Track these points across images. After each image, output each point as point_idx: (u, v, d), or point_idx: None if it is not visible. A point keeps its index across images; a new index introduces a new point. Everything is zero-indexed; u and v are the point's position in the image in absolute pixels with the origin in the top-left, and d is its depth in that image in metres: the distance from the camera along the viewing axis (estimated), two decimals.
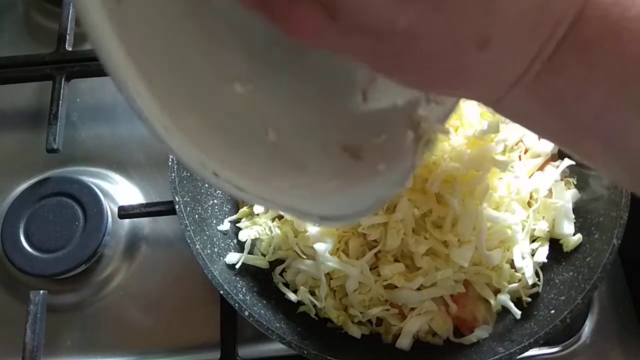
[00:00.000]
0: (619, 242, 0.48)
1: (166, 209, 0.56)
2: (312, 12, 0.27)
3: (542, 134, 0.36)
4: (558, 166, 0.53)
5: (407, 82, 0.31)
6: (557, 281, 0.51)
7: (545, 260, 0.51)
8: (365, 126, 0.34)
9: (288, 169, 0.33)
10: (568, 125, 0.29)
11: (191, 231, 0.50)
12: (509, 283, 0.50)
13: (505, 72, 0.27)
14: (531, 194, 0.53)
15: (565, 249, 0.52)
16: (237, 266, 0.52)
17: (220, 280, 0.48)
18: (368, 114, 0.34)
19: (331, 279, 0.50)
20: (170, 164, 0.52)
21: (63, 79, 0.64)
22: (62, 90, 0.63)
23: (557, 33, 0.26)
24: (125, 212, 0.57)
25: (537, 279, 0.51)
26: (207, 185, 0.57)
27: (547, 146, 0.54)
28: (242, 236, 0.54)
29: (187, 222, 0.50)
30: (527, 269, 0.50)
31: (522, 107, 0.29)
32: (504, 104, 0.29)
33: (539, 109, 0.29)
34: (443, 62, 0.27)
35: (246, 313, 0.46)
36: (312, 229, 0.49)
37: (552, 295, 0.50)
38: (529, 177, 0.53)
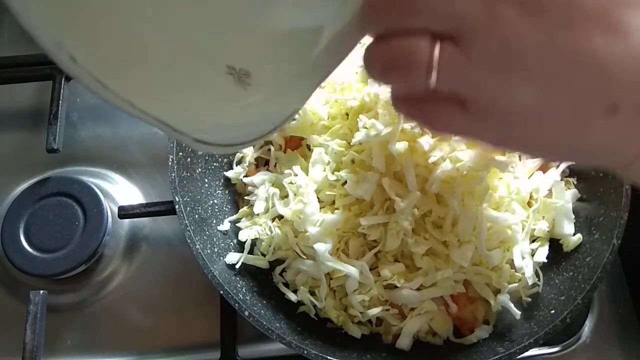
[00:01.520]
0: (619, 242, 0.48)
1: (166, 209, 0.56)
2: (447, 105, 0.30)
3: None
4: (558, 166, 0.53)
5: (537, 156, 0.33)
6: (557, 281, 0.51)
7: (545, 260, 0.51)
8: (259, 50, 0.32)
9: (164, 77, 0.31)
10: None
11: (191, 231, 0.50)
12: (509, 283, 0.50)
13: (636, 136, 0.29)
14: (531, 194, 0.53)
15: (565, 249, 0.52)
16: (237, 266, 0.52)
17: (220, 280, 0.48)
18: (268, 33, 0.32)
19: (331, 279, 0.50)
20: (170, 164, 0.52)
21: (63, 79, 0.64)
22: (62, 90, 0.63)
23: None
24: (125, 212, 0.57)
25: (537, 279, 0.51)
26: (207, 185, 0.57)
27: None
28: (242, 236, 0.54)
29: (187, 222, 0.50)
30: (527, 269, 0.50)
31: None
32: (636, 168, 0.31)
33: None
34: (571, 135, 0.29)
35: (246, 313, 0.47)
36: (312, 229, 0.49)
37: (552, 295, 0.50)
38: (529, 177, 0.53)
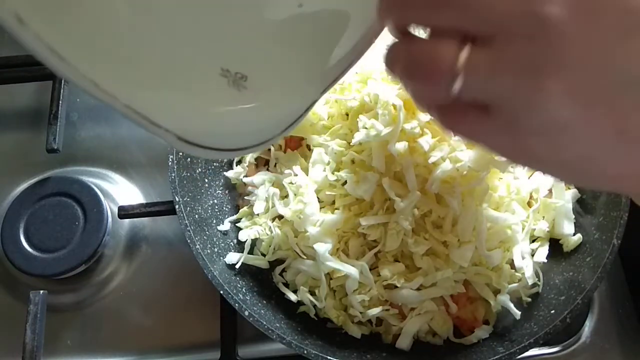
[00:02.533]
0: (619, 242, 0.48)
1: (166, 209, 0.56)
2: (470, 111, 0.28)
3: None
4: None
5: (555, 175, 0.31)
6: (557, 281, 0.51)
7: (545, 260, 0.51)
8: (258, 52, 0.31)
9: (146, 60, 0.29)
10: None
11: (191, 231, 0.50)
12: (509, 283, 0.50)
13: None
14: (531, 194, 0.53)
15: (565, 249, 0.52)
16: (237, 266, 0.52)
17: (220, 280, 0.48)
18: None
19: (331, 279, 0.50)
20: (170, 164, 0.52)
21: (63, 79, 0.64)
22: (62, 90, 0.63)
23: None
24: (125, 212, 0.57)
25: (537, 279, 0.51)
26: (207, 185, 0.57)
27: None
28: (242, 236, 0.54)
29: (187, 222, 0.50)
30: (527, 269, 0.50)
31: None
32: None
33: None
34: (603, 158, 0.27)
35: (246, 313, 0.47)
36: (312, 229, 0.49)
37: (552, 295, 0.50)
38: (529, 177, 0.53)
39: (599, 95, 0.25)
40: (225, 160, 0.59)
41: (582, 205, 0.53)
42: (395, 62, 0.29)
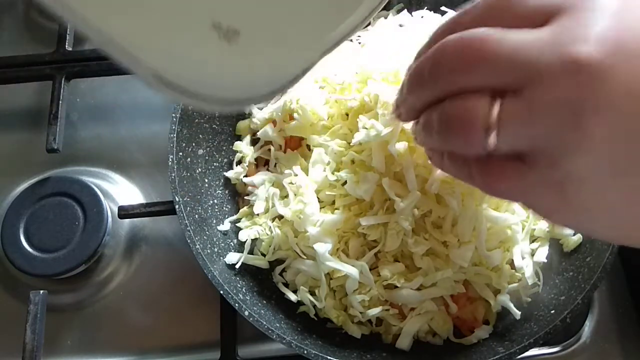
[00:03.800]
0: None
1: (166, 209, 0.56)
2: (508, 165, 0.28)
3: None
4: None
5: (603, 238, 0.31)
6: (557, 281, 0.51)
7: (545, 260, 0.51)
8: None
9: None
10: None
11: (191, 231, 0.50)
12: (509, 283, 0.50)
13: None
14: None
15: (565, 249, 0.52)
16: (237, 266, 0.52)
17: (220, 280, 0.48)
18: None
19: (331, 279, 0.50)
20: (170, 164, 0.52)
21: (63, 79, 0.64)
22: (62, 90, 0.63)
23: None
24: (125, 212, 0.57)
25: (537, 279, 0.51)
26: (207, 185, 0.57)
27: None
28: (242, 236, 0.54)
29: (187, 222, 0.50)
30: (527, 269, 0.50)
31: None
32: None
33: None
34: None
35: (246, 313, 0.47)
36: (312, 229, 0.49)
37: (552, 295, 0.50)
38: None
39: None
40: (225, 160, 0.59)
41: None
42: (428, 127, 0.29)
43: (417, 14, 0.56)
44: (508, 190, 0.29)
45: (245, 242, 0.54)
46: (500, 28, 0.27)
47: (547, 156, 0.26)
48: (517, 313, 0.49)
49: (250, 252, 0.54)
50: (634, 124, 0.24)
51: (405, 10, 0.61)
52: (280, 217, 0.53)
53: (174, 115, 0.54)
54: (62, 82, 0.64)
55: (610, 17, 0.25)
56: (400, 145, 0.47)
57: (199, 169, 0.56)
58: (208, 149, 0.58)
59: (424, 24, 0.56)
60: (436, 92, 0.29)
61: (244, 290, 0.51)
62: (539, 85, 0.25)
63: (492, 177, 0.29)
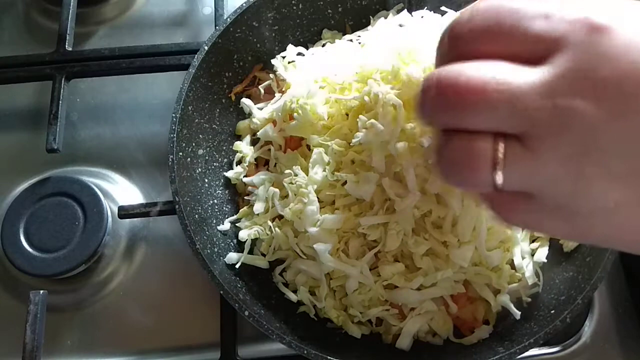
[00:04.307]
0: None
1: (166, 209, 0.56)
2: (519, 199, 0.28)
3: None
4: None
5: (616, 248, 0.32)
6: (557, 281, 0.51)
7: (545, 260, 0.51)
8: None
9: None
10: None
11: (191, 231, 0.50)
12: (509, 283, 0.50)
13: None
14: None
15: (565, 249, 0.52)
16: (237, 266, 0.52)
17: (220, 280, 0.48)
18: None
19: (331, 279, 0.50)
20: (170, 164, 0.52)
21: (63, 79, 0.64)
22: (62, 90, 0.63)
23: None
24: (125, 212, 0.57)
25: (537, 279, 0.51)
26: (207, 185, 0.57)
27: None
28: (242, 236, 0.54)
29: (187, 222, 0.50)
30: (527, 269, 0.50)
31: None
32: None
33: None
34: None
35: (246, 313, 0.46)
36: (312, 229, 0.49)
37: (552, 295, 0.50)
38: None
39: (637, 177, 0.25)
40: (225, 160, 0.59)
41: None
42: (439, 160, 0.30)
43: (417, 14, 0.56)
44: (522, 222, 0.30)
45: (245, 242, 0.54)
46: (500, 62, 0.27)
47: (551, 198, 0.27)
48: (517, 313, 0.49)
49: (250, 252, 0.54)
50: (630, 166, 0.25)
51: (405, 10, 0.61)
52: (280, 217, 0.53)
53: (174, 115, 0.54)
54: (62, 82, 0.64)
55: (610, 60, 0.25)
56: (400, 145, 0.47)
57: (199, 169, 0.56)
58: (208, 149, 0.58)
59: (424, 24, 0.56)
60: (440, 125, 0.29)
61: (244, 290, 0.51)
62: (538, 133, 0.25)
63: (503, 211, 0.30)
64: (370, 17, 0.62)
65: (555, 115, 0.25)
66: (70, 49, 0.66)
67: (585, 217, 0.27)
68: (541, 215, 0.28)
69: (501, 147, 0.26)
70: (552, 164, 0.26)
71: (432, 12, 0.58)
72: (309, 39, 0.63)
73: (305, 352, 0.45)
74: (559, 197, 0.27)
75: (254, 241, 0.54)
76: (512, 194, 0.28)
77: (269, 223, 0.53)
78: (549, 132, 0.25)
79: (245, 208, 0.56)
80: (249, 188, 0.57)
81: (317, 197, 0.50)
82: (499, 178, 0.27)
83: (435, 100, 0.28)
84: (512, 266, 0.50)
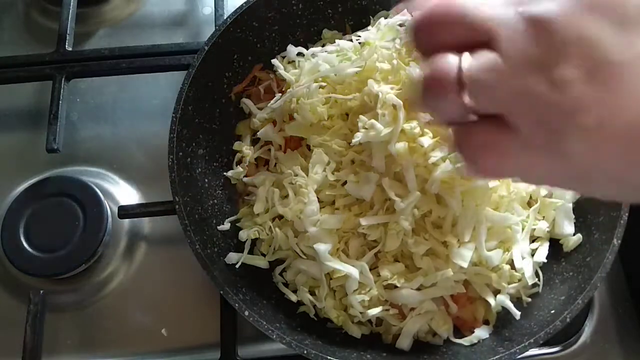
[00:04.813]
0: (619, 242, 0.48)
1: (166, 209, 0.56)
2: (492, 130, 0.28)
3: None
4: None
5: (582, 192, 0.32)
6: (557, 281, 0.51)
7: (545, 260, 0.51)
8: None
9: None
10: None
11: (191, 231, 0.50)
12: (509, 283, 0.50)
13: None
14: (531, 193, 0.53)
15: (565, 249, 0.52)
16: (237, 266, 0.52)
17: (220, 280, 0.48)
18: None
19: (331, 279, 0.50)
20: (170, 164, 0.52)
21: (63, 79, 0.64)
22: (62, 90, 0.63)
23: None
24: (125, 212, 0.57)
25: (537, 279, 0.51)
26: (207, 185, 0.57)
27: None
28: (242, 236, 0.54)
29: (187, 222, 0.50)
30: (527, 269, 0.50)
31: None
32: None
33: None
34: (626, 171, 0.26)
35: (246, 313, 0.46)
36: (312, 229, 0.49)
37: (552, 295, 0.50)
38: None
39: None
40: (225, 160, 0.59)
41: (582, 205, 0.53)
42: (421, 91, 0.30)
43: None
44: (499, 165, 0.29)
45: (245, 242, 0.54)
46: None
47: (526, 113, 0.26)
48: (517, 313, 0.49)
49: (250, 252, 0.54)
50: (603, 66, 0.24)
51: (406, 10, 0.61)
52: (280, 217, 0.53)
53: (174, 115, 0.54)
54: (62, 82, 0.64)
55: None
56: (400, 145, 0.47)
57: (199, 169, 0.56)
58: (208, 149, 0.58)
59: None
60: (421, 45, 0.30)
61: (244, 290, 0.50)
62: (504, 39, 0.25)
63: (481, 151, 0.29)
64: (370, 17, 0.62)
65: (518, 20, 0.25)
66: (70, 49, 0.66)
67: (566, 142, 0.26)
68: (516, 145, 0.27)
69: (465, 57, 0.27)
70: (522, 67, 0.25)
71: None
72: (309, 39, 0.63)
73: (305, 352, 0.45)
74: (534, 113, 0.25)
75: (254, 241, 0.54)
76: (488, 124, 0.28)
77: (269, 223, 0.53)
78: (516, 35, 0.25)
79: (245, 208, 0.56)
80: (249, 188, 0.57)
81: (317, 197, 0.50)
82: (466, 92, 0.27)
83: (418, 24, 0.29)
84: (512, 266, 0.50)
